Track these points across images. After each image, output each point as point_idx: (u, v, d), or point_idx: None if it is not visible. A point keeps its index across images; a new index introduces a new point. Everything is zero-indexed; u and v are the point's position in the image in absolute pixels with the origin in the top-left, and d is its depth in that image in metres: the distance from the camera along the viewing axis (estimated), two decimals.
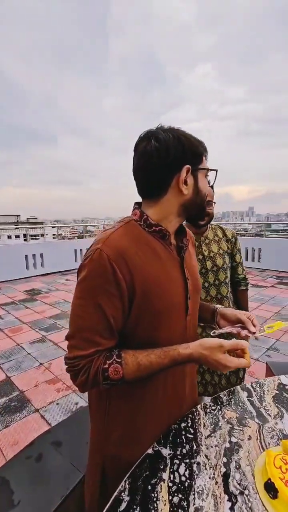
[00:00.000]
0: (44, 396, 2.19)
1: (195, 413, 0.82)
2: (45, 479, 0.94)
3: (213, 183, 0.76)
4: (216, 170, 0.72)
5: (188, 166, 0.65)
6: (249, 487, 0.59)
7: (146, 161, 0.65)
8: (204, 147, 0.69)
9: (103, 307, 0.62)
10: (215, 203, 1.36)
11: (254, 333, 0.74)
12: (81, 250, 8.01)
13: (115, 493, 0.59)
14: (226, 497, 0.57)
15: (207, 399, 0.89)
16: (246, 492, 0.58)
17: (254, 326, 0.75)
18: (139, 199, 0.74)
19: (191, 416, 0.81)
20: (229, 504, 0.56)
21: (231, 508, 0.55)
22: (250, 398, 0.89)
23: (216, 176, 0.74)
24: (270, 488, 0.57)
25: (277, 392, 0.92)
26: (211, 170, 0.71)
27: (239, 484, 0.60)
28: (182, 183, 0.66)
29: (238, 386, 0.95)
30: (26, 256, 6.85)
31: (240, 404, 0.86)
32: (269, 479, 0.58)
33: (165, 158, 0.64)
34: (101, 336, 0.63)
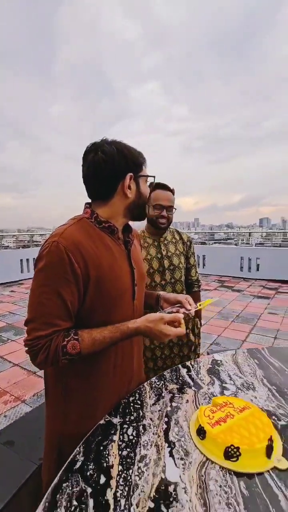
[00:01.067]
0: None
1: (142, 389, 0.93)
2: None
3: (153, 185, 0.90)
4: (154, 176, 0.87)
5: (131, 174, 0.78)
6: (185, 435, 0.72)
7: (95, 170, 0.77)
8: (143, 157, 0.83)
9: (62, 294, 0.70)
10: (175, 209, 1.48)
11: (189, 310, 0.89)
12: (27, 260, 7.64)
13: (71, 457, 0.67)
14: (166, 445, 0.69)
15: (153, 378, 1.01)
16: (182, 439, 0.71)
17: (190, 305, 0.91)
18: (81, 210, 0.85)
19: (138, 391, 0.91)
20: (169, 449, 0.68)
21: (170, 452, 0.67)
22: (189, 373, 1.04)
23: (154, 181, 0.88)
24: (200, 432, 0.70)
25: (211, 366, 1.09)
26: (150, 176, 0.85)
27: (177, 434, 0.73)
28: (127, 188, 0.79)
29: (180, 365, 1.10)
30: None
31: (180, 378, 1.00)
32: (200, 425, 0.71)
33: (111, 168, 0.76)
34: (59, 319, 0.72)
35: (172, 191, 1.48)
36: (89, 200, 0.84)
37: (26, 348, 0.72)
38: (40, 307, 0.71)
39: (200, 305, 0.93)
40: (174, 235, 1.59)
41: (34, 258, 7.68)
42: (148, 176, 0.85)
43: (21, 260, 7.53)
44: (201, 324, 1.66)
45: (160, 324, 0.77)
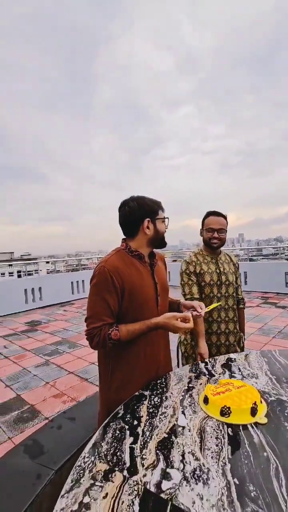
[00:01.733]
0: (52, 407, 2.48)
1: (167, 375, 1.23)
2: (64, 438, 1.30)
3: (167, 224, 1.23)
4: (167, 218, 1.22)
5: (148, 219, 1.15)
6: (194, 403, 1.00)
7: (125, 219, 1.17)
8: (158, 205, 1.19)
9: (108, 301, 1.07)
10: (226, 231, 1.73)
11: (200, 313, 1.18)
12: (77, 282, 8.39)
13: (114, 412, 0.99)
14: (181, 408, 0.98)
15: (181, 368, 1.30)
16: (192, 405, 0.99)
17: (201, 309, 1.20)
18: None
19: (164, 376, 1.21)
20: (181, 409, 0.97)
21: (182, 412, 0.96)
22: (206, 366, 1.30)
23: (168, 220, 1.23)
24: (205, 400, 0.98)
25: (225, 362, 1.34)
26: (164, 218, 1.21)
27: (189, 402, 1.01)
28: (146, 228, 1.16)
29: (199, 361, 1.37)
30: (26, 290, 7.20)
31: (198, 369, 1.27)
32: (205, 395, 0.99)
33: (134, 217, 1.15)
34: (106, 316, 1.08)
35: (224, 216, 1.72)
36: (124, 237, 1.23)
37: (85, 336, 1.10)
38: (94, 309, 1.09)
39: (207, 308, 1.23)
40: (226, 257, 1.85)
41: (83, 281, 8.43)
42: (162, 218, 1.20)
43: (72, 283, 8.30)
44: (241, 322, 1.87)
45: (173, 319, 1.09)
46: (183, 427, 0.87)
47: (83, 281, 8.45)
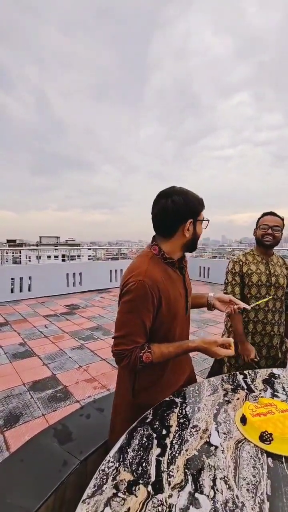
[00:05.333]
0: (83, 391, 2.56)
1: (201, 383, 1.15)
2: (92, 429, 1.31)
3: (206, 226, 1.09)
4: (208, 220, 1.08)
5: (191, 220, 1.01)
6: (230, 420, 0.92)
7: (164, 214, 0.99)
8: (202, 204, 1.04)
9: (144, 320, 0.96)
10: (281, 230, 1.66)
11: (245, 308, 1.10)
12: (116, 270, 8.57)
13: (142, 416, 0.95)
14: (214, 423, 0.90)
15: (212, 378, 1.22)
16: (227, 422, 0.91)
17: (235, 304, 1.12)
18: None
19: (197, 385, 1.14)
20: (215, 426, 0.89)
21: (216, 428, 0.88)
22: (245, 379, 1.20)
23: (208, 222, 1.08)
24: (243, 419, 0.89)
25: (267, 377, 1.22)
26: (205, 220, 1.06)
27: (224, 418, 0.93)
28: (186, 230, 1.01)
29: (237, 372, 1.26)
30: (67, 274, 7.56)
31: (236, 382, 1.17)
32: (243, 414, 0.90)
33: (177, 215, 0.98)
34: (139, 337, 0.97)
35: (281, 218, 1.68)
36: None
37: (113, 354, 0.99)
38: (128, 328, 0.96)
39: (259, 302, 1.16)
40: (279, 260, 1.78)
41: (121, 270, 8.58)
42: (203, 220, 1.06)
43: (110, 271, 8.50)
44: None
45: (214, 346, 0.99)
46: (216, 447, 0.80)
47: (121, 270, 8.60)
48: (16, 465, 1.12)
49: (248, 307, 1.14)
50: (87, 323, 4.77)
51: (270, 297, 1.14)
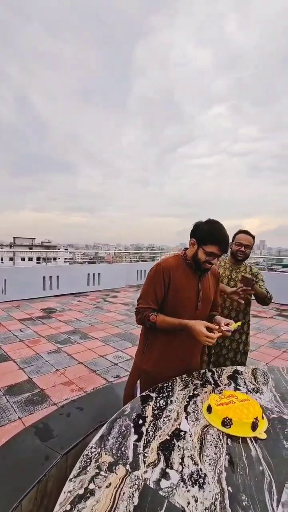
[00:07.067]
0: (60, 394, 2.60)
1: (173, 380, 1.28)
2: (72, 425, 1.39)
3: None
4: (211, 254, 1.26)
5: (193, 239, 1.29)
6: (198, 410, 1.05)
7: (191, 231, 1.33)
8: (211, 239, 1.25)
9: (156, 290, 1.31)
10: (252, 248, 2.01)
11: (226, 329, 1.25)
12: (94, 274, 8.57)
13: (121, 409, 1.06)
14: (184, 413, 1.03)
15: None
16: (195, 412, 1.04)
17: (226, 325, 1.28)
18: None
19: (170, 381, 1.27)
20: (185, 415, 1.02)
21: (186, 417, 1.01)
22: (213, 375, 1.34)
23: (213, 257, 1.28)
24: (208, 409, 1.03)
25: (231, 374, 1.37)
26: (206, 252, 1.26)
27: (193, 409, 1.06)
28: (191, 245, 1.31)
29: (206, 369, 1.41)
30: (44, 277, 7.45)
31: (205, 378, 1.32)
32: (209, 404, 1.04)
33: (192, 232, 1.33)
34: (152, 302, 1.32)
35: (252, 236, 2.01)
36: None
37: (135, 310, 1.35)
38: (146, 293, 1.34)
39: (233, 327, 1.29)
40: (246, 268, 2.11)
41: (99, 273, 8.60)
42: (204, 250, 1.27)
43: (88, 274, 8.49)
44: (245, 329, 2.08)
45: (201, 325, 1.20)
46: (185, 432, 0.92)
47: (99, 274, 8.62)
48: None
49: (228, 334, 1.28)
50: (64, 327, 4.76)
51: (239, 323, 1.32)
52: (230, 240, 2.11)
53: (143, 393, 1.16)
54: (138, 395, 1.27)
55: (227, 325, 1.27)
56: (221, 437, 0.91)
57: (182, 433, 0.92)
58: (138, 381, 1.35)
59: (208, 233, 1.26)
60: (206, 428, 0.95)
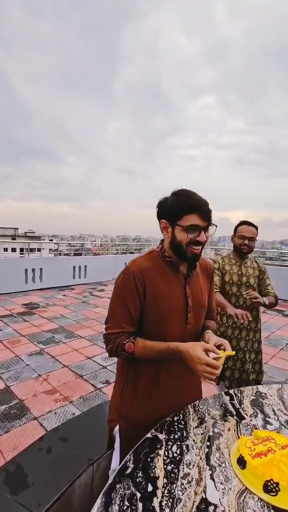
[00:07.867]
0: (42, 406, 2.30)
1: (186, 410, 1.00)
2: (54, 467, 1.09)
3: (213, 233, 0.95)
4: (197, 227, 0.89)
5: (163, 220, 0.95)
6: (225, 462, 0.77)
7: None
8: (187, 208, 0.88)
9: (128, 304, 0.94)
10: (256, 240, 1.84)
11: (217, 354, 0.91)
12: (80, 267, 8.19)
13: (122, 463, 0.77)
14: (208, 468, 0.75)
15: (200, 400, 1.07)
16: (223, 465, 0.76)
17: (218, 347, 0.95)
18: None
19: (182, 412, 0.99)
20: (210, 472, 0.74)
21: (211, 475, 0.73)
22: (232, 401, 1.07)
23: (200, 231, 0.90)
24: (241, 462, 0.75)
25: (254, 398, 1.11)
26: (185, 227, 0.89)
27: (218, 460, 0.78)
28: (163, 230, 0.97)
29: (223, 392, 1.14)
30: (26, 270, 7.00)
31: (223, 406, 1.04)
32: (241, 455, 0.76)
33: (157, 212, 1.00)
34: (125, 323, 0.94)
35: (255, 227, 1.85)
36: None
37: (104, 339, 0.98)
38: (114, 313, 0.96)
39: (223, 354, 0.92)
40: (253, 262, 1.96)
41: (85, 266, 8.23)
42: (182, 226, 0.90)
43: (74, 267, 8.09)
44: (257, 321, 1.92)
45: (198, 347, 0.85)
46: (215, 506, 0.64)
47: (85, 266, 8.24)
48: None
49: (222, 356, 0.92)
50: (47, 325, 4.42)
51: (233, 352, 0.98)
52: (232, 233, 1.86)
53: (149, 435, 0.87)
54: (118, 444, 1.00)
55: (218, 346, 0.94)
56: (266, 510, 0.64)
57: (211, 509, 0.64)
58: (117, 427, 1.02)
59: (178, 202, 0.91)
60: (243, 497, 0.67)
